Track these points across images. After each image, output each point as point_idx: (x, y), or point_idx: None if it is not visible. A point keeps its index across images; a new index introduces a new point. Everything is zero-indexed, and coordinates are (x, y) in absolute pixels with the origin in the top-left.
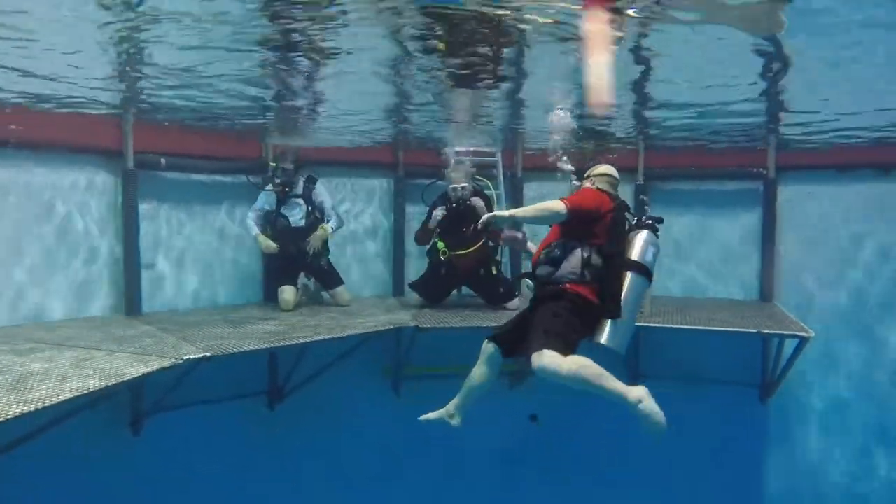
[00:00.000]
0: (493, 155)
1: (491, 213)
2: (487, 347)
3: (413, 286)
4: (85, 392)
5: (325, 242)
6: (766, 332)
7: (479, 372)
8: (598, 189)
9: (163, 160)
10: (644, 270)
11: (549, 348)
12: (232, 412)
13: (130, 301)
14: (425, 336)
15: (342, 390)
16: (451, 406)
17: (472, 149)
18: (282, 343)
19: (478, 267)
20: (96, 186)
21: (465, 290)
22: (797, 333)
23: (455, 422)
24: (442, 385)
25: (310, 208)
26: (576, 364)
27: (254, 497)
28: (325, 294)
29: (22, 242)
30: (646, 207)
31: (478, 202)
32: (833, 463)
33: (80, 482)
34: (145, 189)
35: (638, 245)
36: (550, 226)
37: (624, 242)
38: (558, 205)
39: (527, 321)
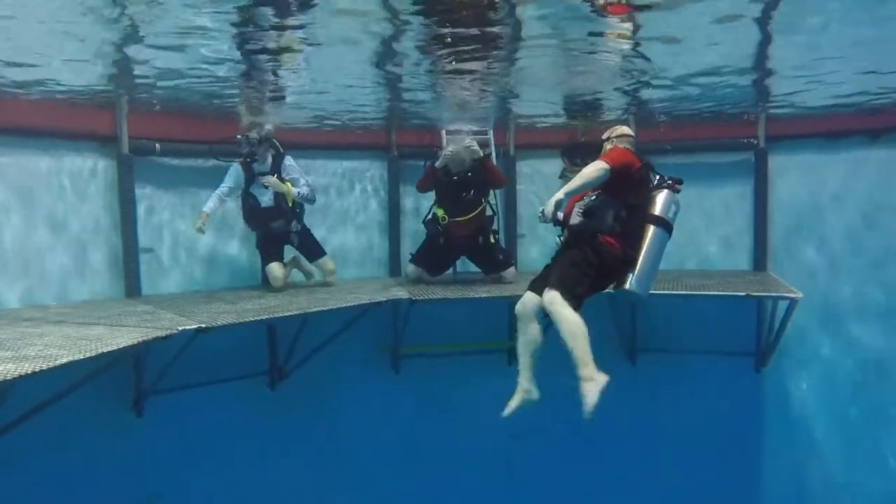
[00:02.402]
0: (484, 133)
1: (552, 202)
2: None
3: (413, 259)
4: (84, 356)
5: (291, 210)
6: (754, 294)
7: (524, 337)
8: (625, 148)
9: (157, 145)
10: (666, 225)
11: (560, 291)
12: (234, 392)
13: (130, 284)
14: (422, 314)
15: (342, 369)
16: (525, 383)
17: (463, 127)
18: (276, 315)
19: (476, 235)
20: (93, 172)
21: (460, 267)
22: (785, 295)
23: (535, 395)
24: (440, 362)
25: None
26: (577, 320)
27: (257, 476)
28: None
29: (20, 227)
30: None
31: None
32: (829, 431)
33: (84, 462)
34: (141, 174)
35: (661, 202)
36: None
37: (649, 199)
38: (601, 164)
39: (551, 266)
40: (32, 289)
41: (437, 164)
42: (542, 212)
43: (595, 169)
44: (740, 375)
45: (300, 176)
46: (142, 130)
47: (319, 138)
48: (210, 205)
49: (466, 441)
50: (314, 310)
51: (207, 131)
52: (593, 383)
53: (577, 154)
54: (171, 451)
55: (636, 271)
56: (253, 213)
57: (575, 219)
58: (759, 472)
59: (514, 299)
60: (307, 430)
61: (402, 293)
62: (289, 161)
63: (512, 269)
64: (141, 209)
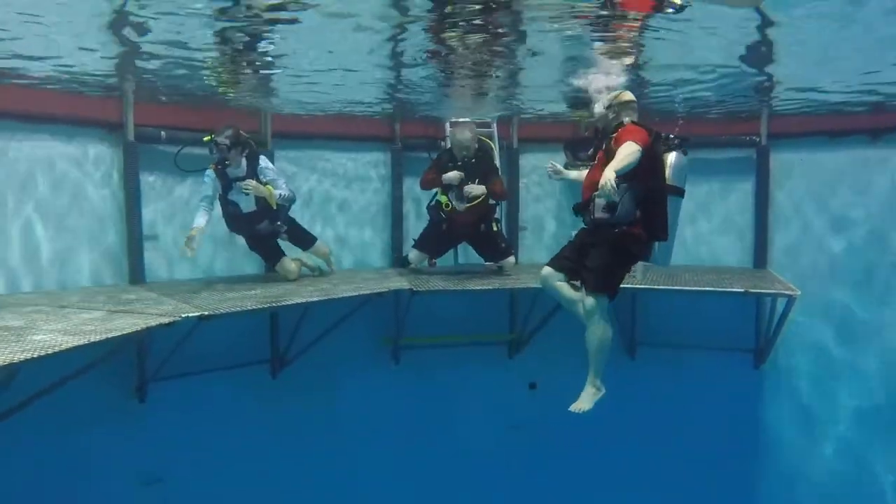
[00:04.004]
0: (488, 125)
1: (605, 182)
2: (548, 274)
3: (416, 244)
4: (88, 342)
5: (274, 207)
6: (752, 291)
7: (568, 298)
8: (633, 123)
9: (163, 133)
10: (679, 191)
11: (598, 293)
12: (235, 380)
13: (134, 270)
14: (423, 305)
15: (343, 359)
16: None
17: (467, 120)
18: (278, 303)
19: (478, 223)
20: (98, 159)
21: (461, 259)
22: (783, 292)
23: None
24: (441, 353)
25: None
26: (609, 333)
27: (258, 462)
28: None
29: (26, 213)
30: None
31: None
32: (826, 429)
33: (86, 446)
34: (147, 161)
35: (671, 169)
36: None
37: (664, 171)
38: (635, 146)
39: (582, 253)
40: (37, 274)
41: (445, 181)
42: (599, 187)
43: (634, 151)
44: (739, 371)
45: (277, 176)
46: (147, 118)
47: (323, 128)
48: (201, 220)
49: (466, 432)
50: (316, 299)
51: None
52: (595, 392)
53: (581, 148)
54: (172, 437)
55: (657, 245)
56: (235, 219)
57: (598, 213)
58: (755, 467)
59: (515, 292)
60: (308, 419)
61: (403, 284)
62: (264, 162)
63: (511, 258)
64: (146, 196)
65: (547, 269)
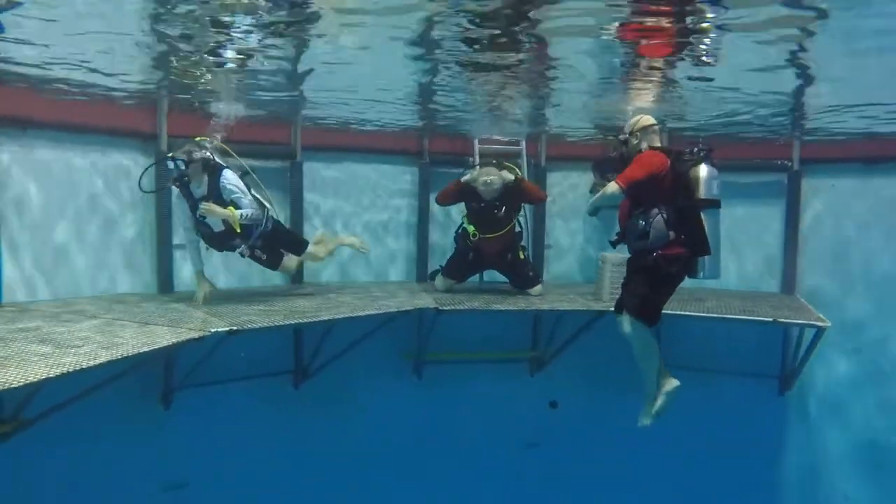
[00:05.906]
0: (517, 144)
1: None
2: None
3: (442, 271)
4: (118, 357)
5: (237, 230)
6: (781, 320)
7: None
8: (651, 149)
9: None
10: (715, 203)
11: (636, 318)
12: (259, 389)
13: (163, 279)
14: (447, 321)
15: (365, 372)
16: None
17: (496, 137)
18: (306, 320)
19: (504, 252)
20: (131, 169)
21: (487, 277)
22: (813, 323)
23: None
24: (463, 369)
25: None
26: (646, 342)
27: (278, 470)
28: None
29: (59, 221)
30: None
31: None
32: (850, 457)
33: (111, 452)
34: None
35: (702, 182)
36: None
37: (693, 189)
38: (612, 187)
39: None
40: (69, 282)
41: (464, 178)
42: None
43: (609, 191)
44: (763, 398)
45: (242, 194)
46: (180, 129)
47: (351, 141)
48: (197, 260)
49: (485, 447)
50: (342, 316)
51: (245, 131)
52: (652, 406)
53: (609, 168)
54: (196, 443)
55: (702, 261)
56: (210, 239)
57: (635, 244)
58: (777, 493)
59: (540, 314)
60: (329, 430)
61: (428, 302)
62: (225, 179)
63: (539, 286)
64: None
65: (621, 320)
